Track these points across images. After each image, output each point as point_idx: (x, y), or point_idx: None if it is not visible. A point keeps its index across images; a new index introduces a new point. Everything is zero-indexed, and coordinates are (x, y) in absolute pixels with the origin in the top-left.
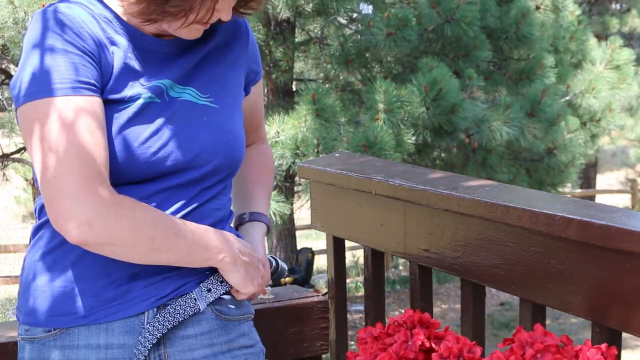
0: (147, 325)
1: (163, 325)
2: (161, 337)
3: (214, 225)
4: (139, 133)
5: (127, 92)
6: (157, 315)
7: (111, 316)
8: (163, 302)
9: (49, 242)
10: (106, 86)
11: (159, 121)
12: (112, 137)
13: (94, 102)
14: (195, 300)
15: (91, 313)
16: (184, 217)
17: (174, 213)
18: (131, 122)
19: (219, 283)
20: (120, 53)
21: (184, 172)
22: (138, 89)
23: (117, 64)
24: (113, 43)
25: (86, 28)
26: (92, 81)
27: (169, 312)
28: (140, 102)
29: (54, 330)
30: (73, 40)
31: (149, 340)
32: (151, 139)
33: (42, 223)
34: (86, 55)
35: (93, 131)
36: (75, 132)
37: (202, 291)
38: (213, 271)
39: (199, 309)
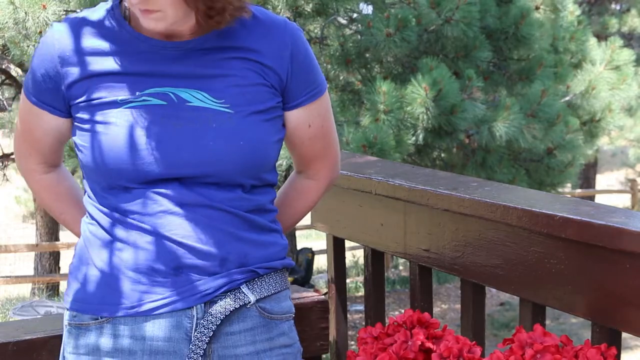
0: (202, 321)
1: (216, 317)
2: (212, 334)
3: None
4: (137, 136)
5: (122, 95)
6: (209, 309)
7: (158, 309)
8: (209, 298)
9: (95, 232)
10: (84, 94)
11: (159, 125)
12: (104, 140)
13: (37, 111)
14: (245, 294)
15: (138, 304)
16: (201, 214)
17: (183, 207)
18: (126, 125)
19: (267, 282)
20: (112, 59)
21: (187, 178)
22: (132, 93)
23: (105, 69)
24: (102, 51)
25: (60, 54)
26: (41, 97)
27: (220, 305)
28: (136, 104)
29: (101, 318)
30: (40, 63)
31: (205, 335)
32: (148, 143)
33: (88, 214)
34: (48, 81)
35: (22, 124)
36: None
37: (251, 287)
38: (260, 272)
39: (249, 301)
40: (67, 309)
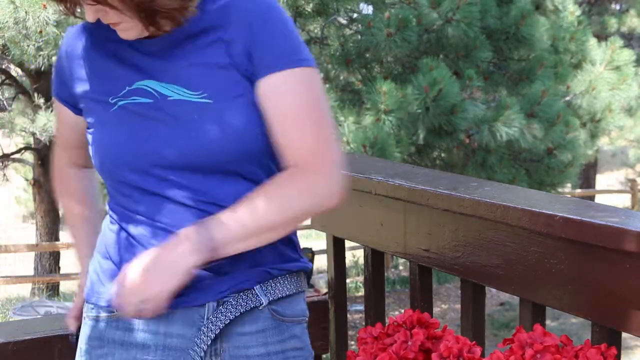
0: (211, 317)
1: (226, 316)
2: (218, 332)
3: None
4: (127, 136)
5: (113, 93)
6: (220, 307)
7: (170, 305)
8: (222, 296)
9: (112, 229)
10: (87, 91)
11: (146, 123)
12: (101, 136)
13: (58, 105)
14: (258, 295)
15: None
16: (210, 213)
17: (191, 207)
18: (112, 121)
19: (281, 284)
20: (103, 59)
21: (172, 169)
22: (119, 89)
23: (95, 68)
24: (95, 51)
25: (67, 49)
26: (59, 94)
27: (231, 304)
28: (124, 102)
29: (117, 311)
30: (58, 63)
31: (212, 331)
32: (137, 142)
33: (108, 213)
34: (60, 75)
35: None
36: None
37: (264, 288)
38: (274, 273)
39: (261, 303)
40: (86, 302)
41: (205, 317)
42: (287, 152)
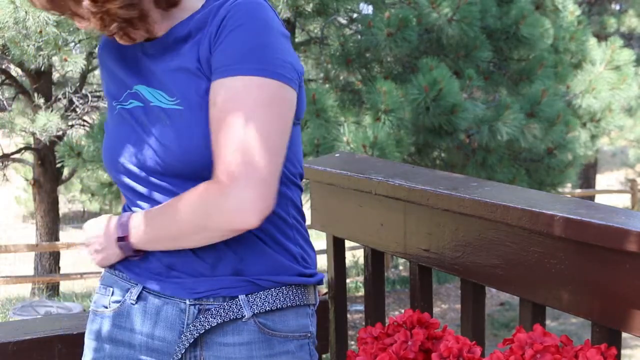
0: (190, 323)
1: (202, 325)
2: (199, 339)
3: None
4: (117, 138)
5: (117, 97)
6: (200, 315)
7: (148, 296)
8: (198, 296)
9: None
10: (105, 94)
11: (132, 127)
12: (104, 138)
13: None
14: (241, 307)
15: (130, 292)
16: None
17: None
18: (112, 124)
19: (272, 296)
20: (114, 62)
21: (155, 174)
22: (122, 93)
23: (110, 73)
24: (110, 56)
25: (99, 54)
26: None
27: (211, 313)
28: (122, 106)
29: (107, 308)
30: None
31: (187, 338)
32: (122, 145)
33: None
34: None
35: None
36: None
37: (251, 299)
38: (263, 285)
39: (243, 315)
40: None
41: (186, 322)
42: (218, 159)
